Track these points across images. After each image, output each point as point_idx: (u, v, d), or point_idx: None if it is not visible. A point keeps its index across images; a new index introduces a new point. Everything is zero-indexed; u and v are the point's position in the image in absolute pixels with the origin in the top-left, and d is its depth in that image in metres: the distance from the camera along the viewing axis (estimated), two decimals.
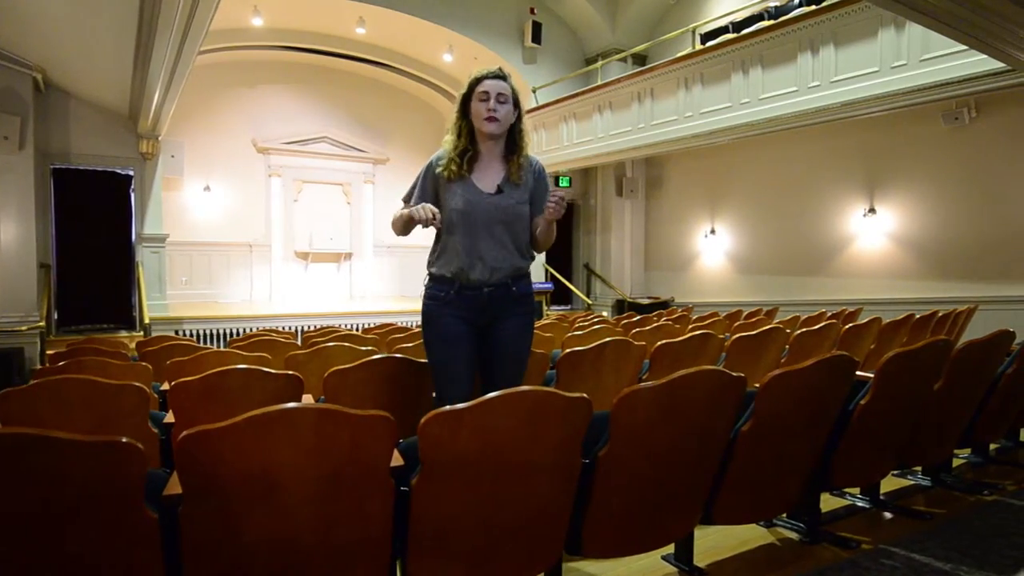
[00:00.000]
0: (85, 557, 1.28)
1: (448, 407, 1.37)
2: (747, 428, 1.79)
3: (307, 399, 2.56)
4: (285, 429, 1.24)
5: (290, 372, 2.22)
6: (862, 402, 2.06)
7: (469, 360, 2.19)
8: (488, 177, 2.15)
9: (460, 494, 1.46)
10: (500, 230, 2.13)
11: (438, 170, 2.15)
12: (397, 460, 1.60)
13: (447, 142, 2.19)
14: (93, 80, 6.84)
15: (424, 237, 2.28)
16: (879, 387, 2.05)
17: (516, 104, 2.16)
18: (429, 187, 2.19)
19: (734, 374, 1.66)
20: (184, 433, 1.21)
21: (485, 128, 2.09)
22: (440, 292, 2.18)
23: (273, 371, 2.19)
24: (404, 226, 2.17)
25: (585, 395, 1.50)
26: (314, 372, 2.72)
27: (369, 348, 3.29)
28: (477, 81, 2.12)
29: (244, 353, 3.25)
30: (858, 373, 2.23)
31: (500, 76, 2.13)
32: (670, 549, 2.01)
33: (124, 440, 1.21)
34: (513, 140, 2.18)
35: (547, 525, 1.61)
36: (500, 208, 2.12)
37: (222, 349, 3.58)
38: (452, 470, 1.42)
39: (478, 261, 2.11)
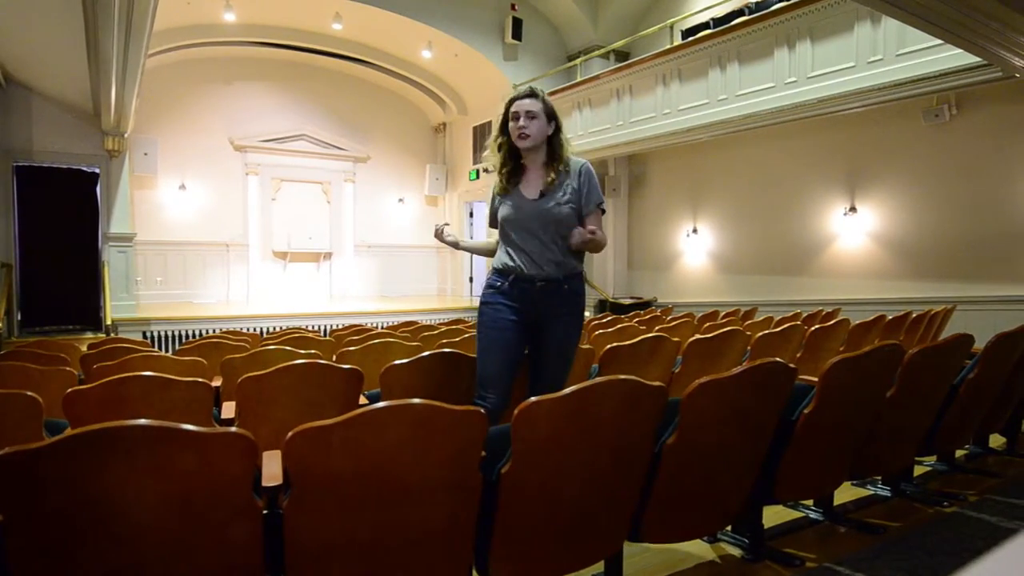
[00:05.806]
0: None
1: (317, 422, 1.23)
2: (672, 441, 1.65)
3: (229, 407, 2.41)
4: (114, 450, 1.10)
5: (198, 379, 2.07)
6: (806, 411, 1.93)
7: (509, 347, 2.38)
8: (532, 184, 2.42)
9: (338, 516, 1.32)
10: (543, 231, 2.36)
11: (494, 190, 2.51)
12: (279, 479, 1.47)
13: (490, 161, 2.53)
14: (53, 76, 6.66)
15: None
16: (823, 395, 1.91)
17: (551, 118, 2.39)
18: (496, 203, 2.52)
19: (652, 383, 1.53)
20: None
21: (519, 144, 2.38)
22: (497, 282, 2.43)
23: (178, 378, 2.04)
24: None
25: (480, 409, 1.36)
26: None
27: (311, 351, 3.15)
28: (511, 102, 2.39)
29: (180, 358, 3.10)
30: (805, 378, 2.11)
31: (529, 95, 2.38)
32: (600, 568, 1.87)
33: None
34: (552, 149, 2.42)
35: (446, 548, 1.47)
36: (541, 211, 2.36)
37: (157, 353, 3.43)
38: (325, 491, 1.29)
39: (526, 258, 2.37)
